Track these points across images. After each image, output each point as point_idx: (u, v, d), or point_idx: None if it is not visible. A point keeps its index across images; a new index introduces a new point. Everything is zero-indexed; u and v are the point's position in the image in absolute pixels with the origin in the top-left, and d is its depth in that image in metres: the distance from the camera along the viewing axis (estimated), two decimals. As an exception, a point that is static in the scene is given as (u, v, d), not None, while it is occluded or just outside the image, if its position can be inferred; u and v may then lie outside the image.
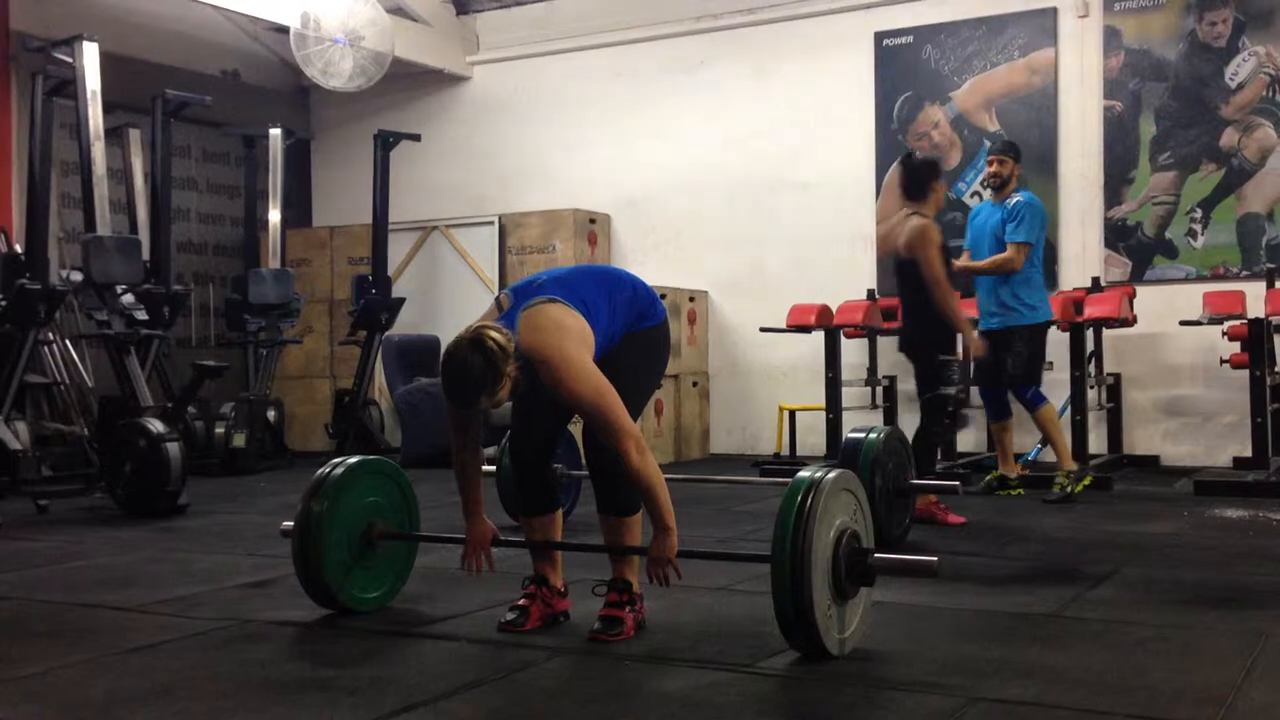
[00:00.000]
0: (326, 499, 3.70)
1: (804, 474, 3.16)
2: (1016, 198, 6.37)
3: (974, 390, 7.97)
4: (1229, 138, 7.87)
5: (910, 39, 8.79)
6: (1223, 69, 7.91)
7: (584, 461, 3.49)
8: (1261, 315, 6.75)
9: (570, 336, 3.29)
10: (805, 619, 3.00)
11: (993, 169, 6.44)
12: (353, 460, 3.86)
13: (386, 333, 9.17)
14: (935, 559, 3.22)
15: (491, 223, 9.80)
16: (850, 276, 8.73)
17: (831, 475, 3.15)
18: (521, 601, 3.56)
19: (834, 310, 7.96)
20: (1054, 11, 8.38)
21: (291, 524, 3.72)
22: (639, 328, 3.52)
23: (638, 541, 3.51)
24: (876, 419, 7.96)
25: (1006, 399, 6.49)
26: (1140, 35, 8.14)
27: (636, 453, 3.23)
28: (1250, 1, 7.86)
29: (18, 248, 7.62)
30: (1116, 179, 8.18)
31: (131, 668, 3.22)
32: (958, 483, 5.11)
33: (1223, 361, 7.25)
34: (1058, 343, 7.06)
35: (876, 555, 3.20)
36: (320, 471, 3.79)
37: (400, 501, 3.93)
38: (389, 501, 3.88)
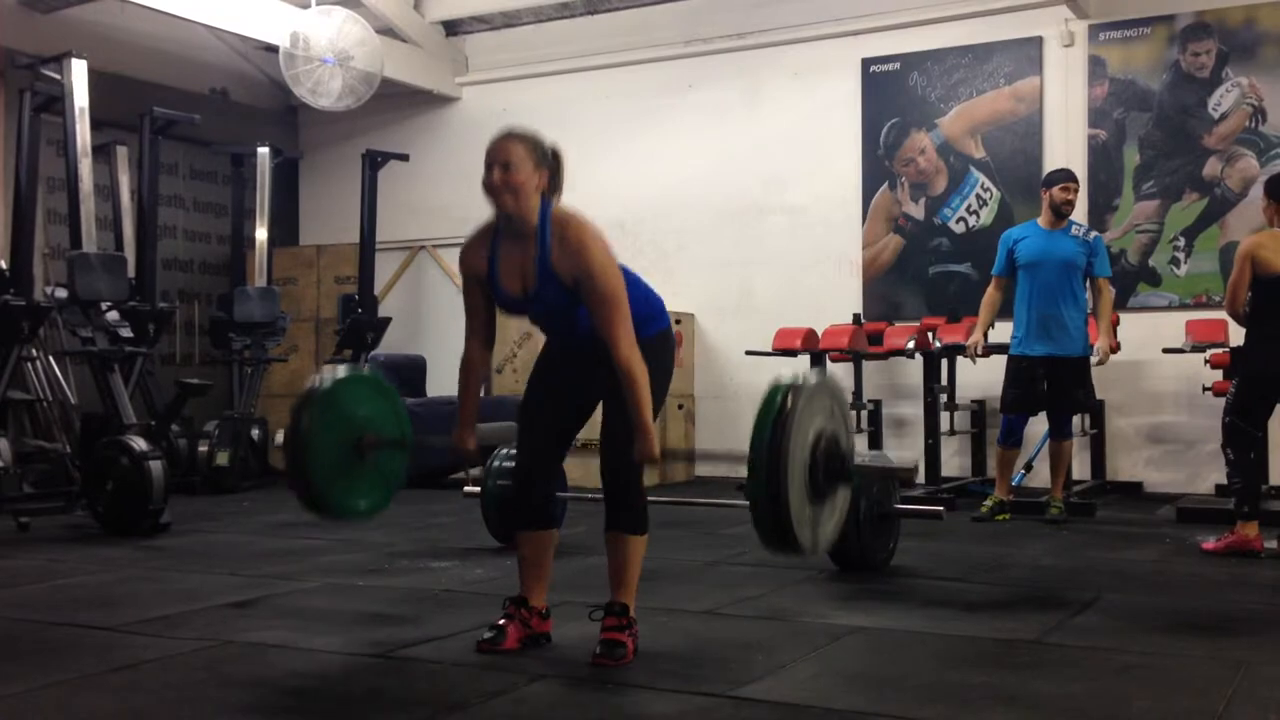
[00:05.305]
0: (317, 406, 3.70)
1: (784, 376, 3.24)
2: (1085, 229, 6.64)
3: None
4: (1212, 167, 7.94)
5: (897, 66, 8.84)
6: (1206, 99, 7.98)
7: (600, 469, 3.47)
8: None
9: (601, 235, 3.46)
10: (780, 514, 3.07)
11: (1071, 196, 6.56)
12: (341, 370, 3.91)
13: (372, 352, 9.16)
14: (941, 507, 3.32)
15: (479, 243, 9.79)
16: (836, 300, 8.76)
17: (813, 379, 3.26)
18: (500, 621, 3.55)
19: (820, 334, 7.99)
20: (1039, 40, 8.44)
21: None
22: (642, 335, 3.46)
23: (639, 563, 3.51)
24: (861, 444, 7.97)
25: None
26: (1125, 65, 8.20)
27: (628, 346, 3.33)
28: (1233, 33, 7.94)
29: (2, 263, 7.59)
30: (1100, 207, 8.23)
31: (112, 688, 3.20)
32: (941, 508, 5.11)
33: (1205, 389, 7.30)
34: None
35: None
36: (309, 383, 3.81)
37: (390, 414, 3.90)
38: (379, 413, 3.86)
